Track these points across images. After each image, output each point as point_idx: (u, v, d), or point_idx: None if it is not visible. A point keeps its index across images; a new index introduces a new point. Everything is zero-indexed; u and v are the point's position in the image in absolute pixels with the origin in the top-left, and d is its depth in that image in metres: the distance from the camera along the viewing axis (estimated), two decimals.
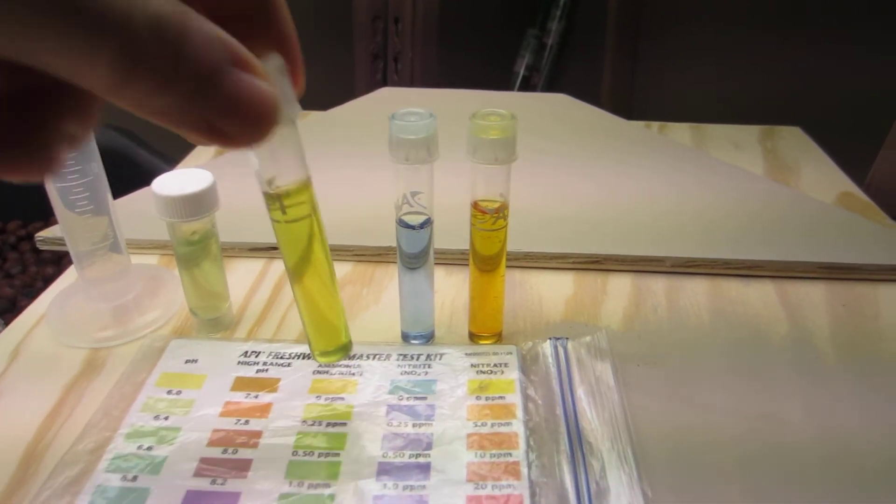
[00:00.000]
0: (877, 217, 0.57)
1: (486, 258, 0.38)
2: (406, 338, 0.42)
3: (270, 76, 0.20)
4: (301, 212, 0.29)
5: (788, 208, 0.56)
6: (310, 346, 0.34)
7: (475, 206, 0.37)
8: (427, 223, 0.37)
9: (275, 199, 0.28)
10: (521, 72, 1.72)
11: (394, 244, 0.41)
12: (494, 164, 0.34)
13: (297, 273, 0.31)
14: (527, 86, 1.73)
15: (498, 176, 0.35)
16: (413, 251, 0.38)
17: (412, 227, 0.37)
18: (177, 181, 0.38)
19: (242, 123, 0.19)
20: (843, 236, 0.52)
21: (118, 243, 0.42)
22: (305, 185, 0.29)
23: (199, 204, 0.38)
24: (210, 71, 0.18)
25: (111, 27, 0.16)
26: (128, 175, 0.55)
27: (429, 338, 0.42)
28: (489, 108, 0.34)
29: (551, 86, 1.73)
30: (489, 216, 0.37)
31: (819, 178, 0.64)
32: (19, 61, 0.16)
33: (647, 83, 1.56)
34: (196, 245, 0.40)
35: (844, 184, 0.63)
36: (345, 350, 0.34)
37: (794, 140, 0.72)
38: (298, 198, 0.29)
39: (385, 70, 1.42)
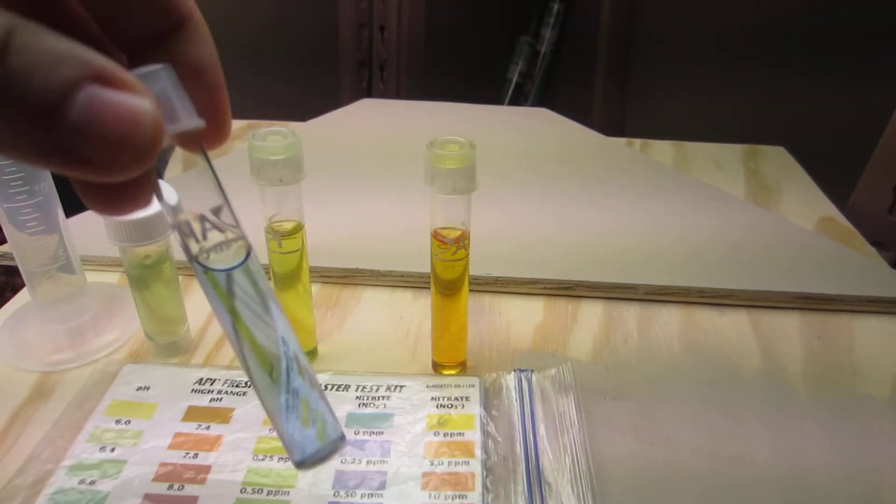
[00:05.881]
0: (856, 243, 0.56)
1: (447, 282, 0.37)
2: None
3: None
4: (293, 246, 0.36)
5: (767, 234, 0.55)
6: None
7: (435, 235, 0.35)
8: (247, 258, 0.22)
9: (274, 235, 0.35)
10: (515, 79, 1.71)
11: (360, 265, 0.41)
12: (453, 195, 0.33)
13: (280, 289, 0.38)
14: (519, 93, 1.72)
15: (458, 205, 0.34)
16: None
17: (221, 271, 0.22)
18: None
19: (102, 144, 0.16)
20: (821, 264, 0.51)
21: (70, 263, 0.41)
22: (299, 226, 0.36)
23: (150, 228, 0.37)
24: (53, 92, 0.15)
25: None
26: None
27: None
28: (448, 136, 0.33)
29: (544, 93, 1.72)
30: (450, 246, 0.35)
31: (801, 201, 0.63)
32: None
33: (639, 97, 1.55)
34: (149, 268, 0.38)
35: (826, 208, 0.62)
36: (313, 354, 0.42)
37: (777, 161, 0.71)
38: (293, 235, 0.36)
39: (370, 79, 1.41)
